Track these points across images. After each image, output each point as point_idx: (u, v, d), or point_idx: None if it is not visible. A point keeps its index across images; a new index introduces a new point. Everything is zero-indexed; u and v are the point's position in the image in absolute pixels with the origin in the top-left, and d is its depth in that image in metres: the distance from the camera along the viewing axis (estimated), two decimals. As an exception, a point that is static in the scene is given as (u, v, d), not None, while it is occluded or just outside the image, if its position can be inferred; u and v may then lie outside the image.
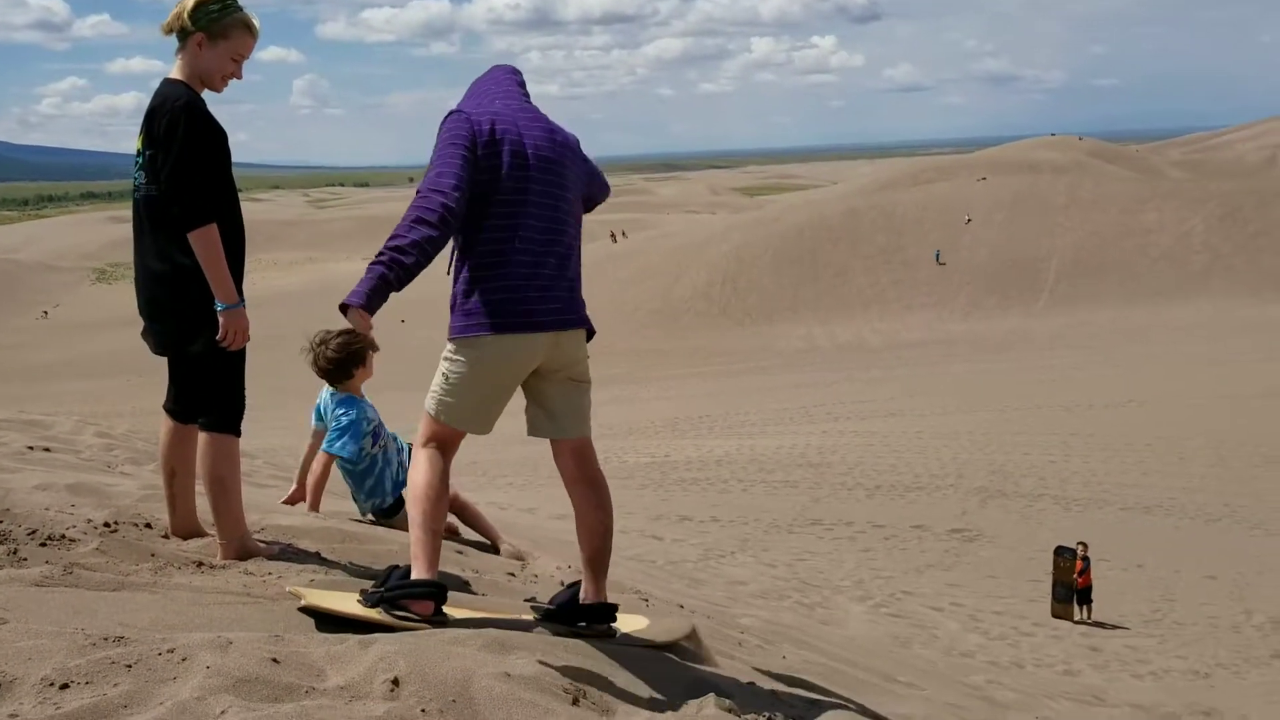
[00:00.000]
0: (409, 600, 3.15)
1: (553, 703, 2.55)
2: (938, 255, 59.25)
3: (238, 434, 3.82)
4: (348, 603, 3.24)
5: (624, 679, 3.10)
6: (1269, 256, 53.78)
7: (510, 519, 10.12)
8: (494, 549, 5.30)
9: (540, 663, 2.82)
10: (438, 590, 3.21)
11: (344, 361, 4.97)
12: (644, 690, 3.07)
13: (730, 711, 2.91)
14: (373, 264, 3.21)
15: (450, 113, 3.41)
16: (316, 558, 3.95)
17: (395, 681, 2.43)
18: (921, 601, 12.67)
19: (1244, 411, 25.57)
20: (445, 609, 3.25)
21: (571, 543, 7.37)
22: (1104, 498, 18.05)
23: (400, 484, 5.27)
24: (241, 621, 2.97)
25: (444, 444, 3.39)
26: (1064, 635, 11.89)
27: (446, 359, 3.37)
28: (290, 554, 3.92)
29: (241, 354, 3.75)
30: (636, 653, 3.51)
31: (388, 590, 3.18)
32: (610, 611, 3.54)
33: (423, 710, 2.35)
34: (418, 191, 3.27)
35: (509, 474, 20.59)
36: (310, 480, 5.16)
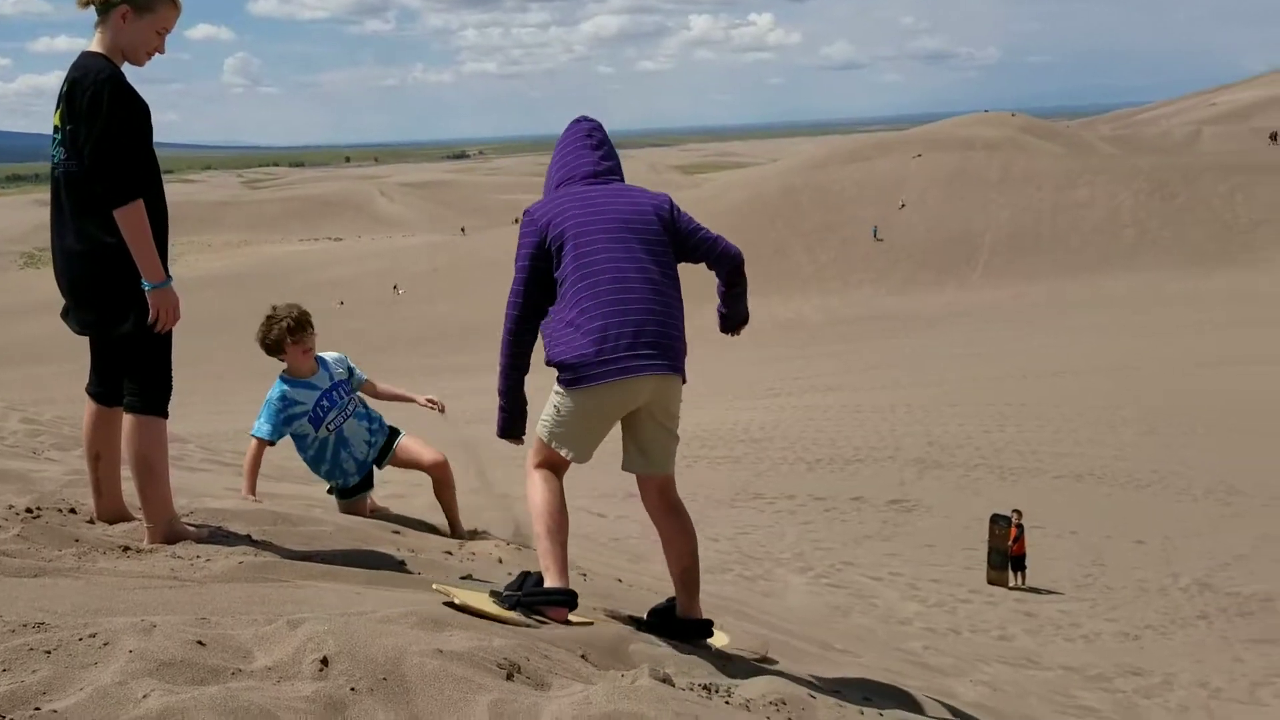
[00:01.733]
0: (545, 606, 3.52)
1: (486, 678, 2.54)
2: (875, 232, 59.85)
3: (165, 415, 3.74)
4: (485, 602, 3.46)
5: (560, 654, 3.10)
6: (1195, 230, 55.14)
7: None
8: (450, 531, 5.35)
9: (475, 639, 2.81)
10: (572, 598, 3.58)
11: (266, 345, 5.11)
12: (579, 664, 3.08)
13: (665, 681, 2.92)
14: (501, 394, 3.89)
15: (524, 213, 3.91)
16: (248, 540, 3.89)
17: (324, 661, 2.40)
18: (861, 571, 12.87)
19: (1172, 381, 26.25)
20: (572, 616, 3.59)
21: (512, 521, 7.34)
22: (1038, 467, 18.44)
23: (366, 464, 5.31)
24: (168, 605, 2.91)
25: (555, 466, 3.82)
26: (999, 601, 12.15)
27: (554, 394, 3.76)
28: (220, 537, 3.86)
29: (169, 334, 3.68)
30: (574, 630, 3.52)
31: (525, 595, 3.52)
32: (707, 627, 3.94)
33: (352, 689, 2.32)
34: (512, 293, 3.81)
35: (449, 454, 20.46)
36: (245, 463, 5.13)
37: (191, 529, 3.84)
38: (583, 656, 3.25)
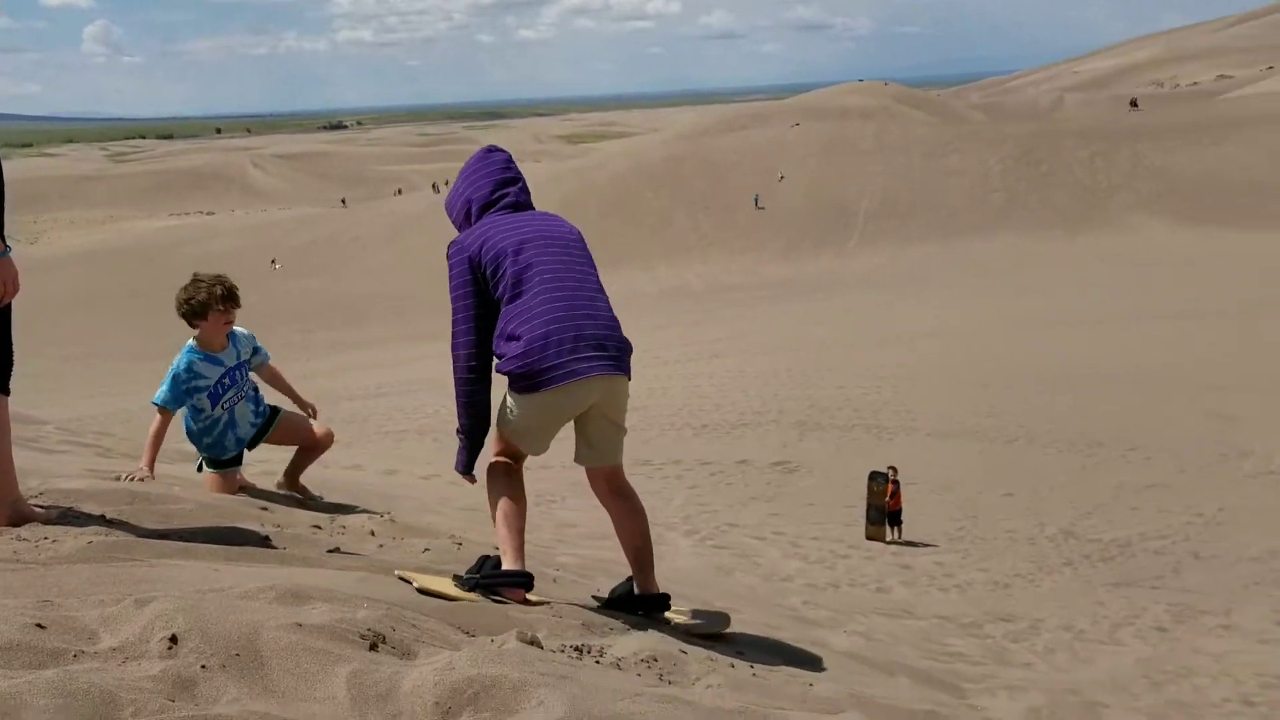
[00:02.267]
0: (505, 588, 3.75)
1: (347, 649, 2.50)
2: (756, 200, 60.59)
3: (6, 392, 3.56)
4: (447, 586, 3.66)
5: (430, 623, 3.07)
6: (1059, 194, 57.39)
7: (338, 477, 9.86)
8: (286, 481, 5.44)
9: (338, 612, 2.75)
10: (528, 579, 3.83)
11: (190, 308, 5.12)
12: (447, 631, 3.05)
13: (533, 643, 2.92)
14: (459, 432, 3.98)
15: (449, 244, 4.00)
16: (100, 520, 3.74)
17: (173, 639, 2.32)
18: (745, 532, 13.09)
19: (1038, 339, 27.37)
20: (529, 596, 3.81)
21: (391, 495, 7.23)
22: (913, 425, 19.02)
23: (243, 441, 5.31)
24: (9, 589, 2.78)
25: (515, 455, 4.01)
26: (877, 556, 12.52)
27: (509, 397, 3.92)
28: (70, 518, 3.70)
29: (8, 308, 3.49)
30: (442, 598, 3.49)
31: (483, 578, 3.74)
32: (665, 600, 4.18)
33: (203, 666, 2.25)
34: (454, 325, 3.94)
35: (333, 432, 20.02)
36: (149, 433, 5.02)
37: (39, 510, 3.67)
38: (455, 625, 3.23)
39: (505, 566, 3.81)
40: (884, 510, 13.61)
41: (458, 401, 3.92)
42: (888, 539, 13.38)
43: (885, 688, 4.39)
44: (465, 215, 4.09)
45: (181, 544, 3.55)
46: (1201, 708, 7.73)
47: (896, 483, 13.71)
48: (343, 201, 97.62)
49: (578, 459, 4.08)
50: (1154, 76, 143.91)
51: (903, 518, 13.55)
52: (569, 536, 10.40)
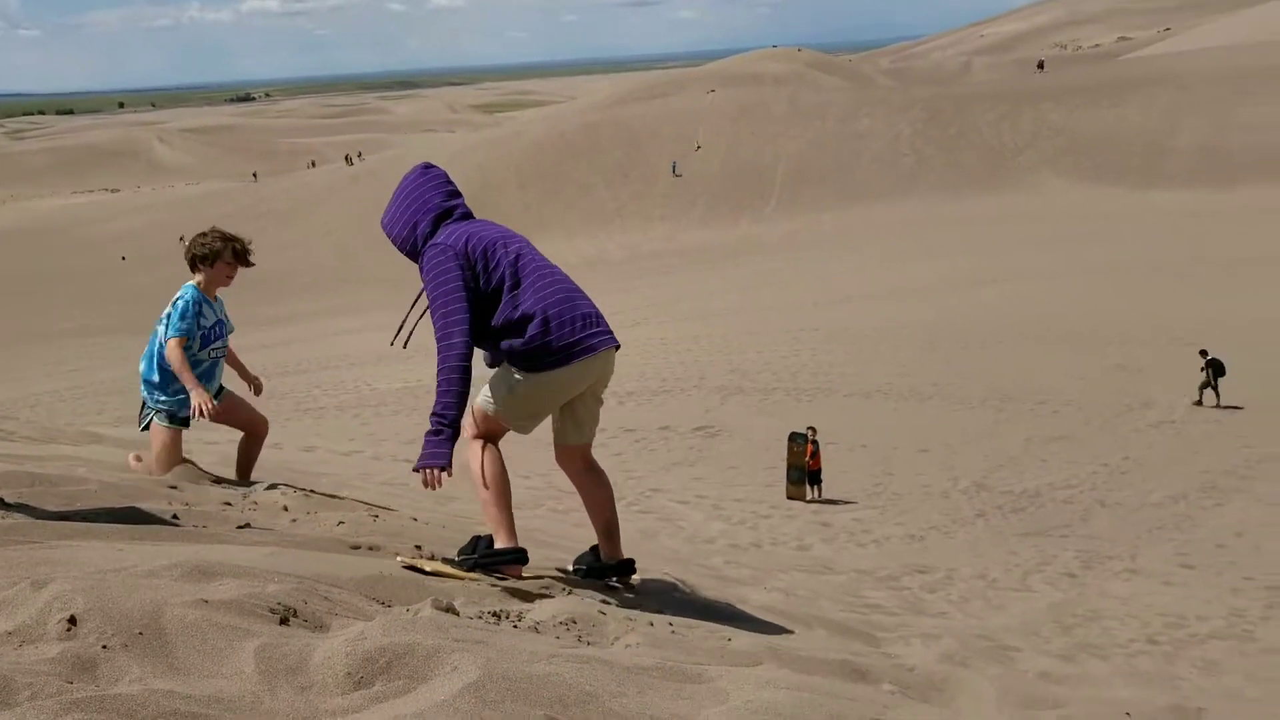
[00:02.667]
0: (503, 565, 3.93)
1: (256, 624, 2.47)
2: (674, 167, 60.65)
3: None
4: (447, 567, 3.82)
5: (343, 595, 3.06)
6: (967, 156, 58.49)
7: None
8: (239, 477, 5.49)
9: (246, 587, 2.72)
10: (524, 555, 4.05)
11: (205, 251, 5.31)
12: (362, 603, 3.04)
13: (449, 611, 2.92)
14: (432, 432, 3.91)
15: (427, 247, 4.03)
16: (0, 504, 3.63)
17: (72, 620, 2.27)
18: (669, 497, 13.21)
19: (949, 300, 27.95)
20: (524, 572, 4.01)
21: (309, 472, 7.13)
22: (830, 386, 19.33)
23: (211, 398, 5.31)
24: (-101, 579, 2.68)
25: (494, 435, 4.16)
26: (797, 515, 12.73)
27: (511, 377, 4.02)
28: (-34, 503, 3.58)
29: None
30: (360, 569, 3.47)
31: (481, 557, 3.93)
32: (630, 565, 4.42)
33: (104, 646, 2.21)
34: (436, 332, 3.94)
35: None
36: (181, 372, 5.10)
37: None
38: (371, 597, 3.21)
39: (498, 545, 3.96)
40: (804, 470, 13.83)
41: (449, 394, 3.87)
42: (808, 498, 13.61)
43: (802, 640, 4.49)
44: (412, 229, 4.11)
45: (85, 525, 3.47)
46: (1109, 649, 8.04)
47: (816, 443, 13.93)
48: (254, 175, 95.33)
49: (562, 439, 4.25)
50: (1057, 39, 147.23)
51: (822, 477, 13.79)
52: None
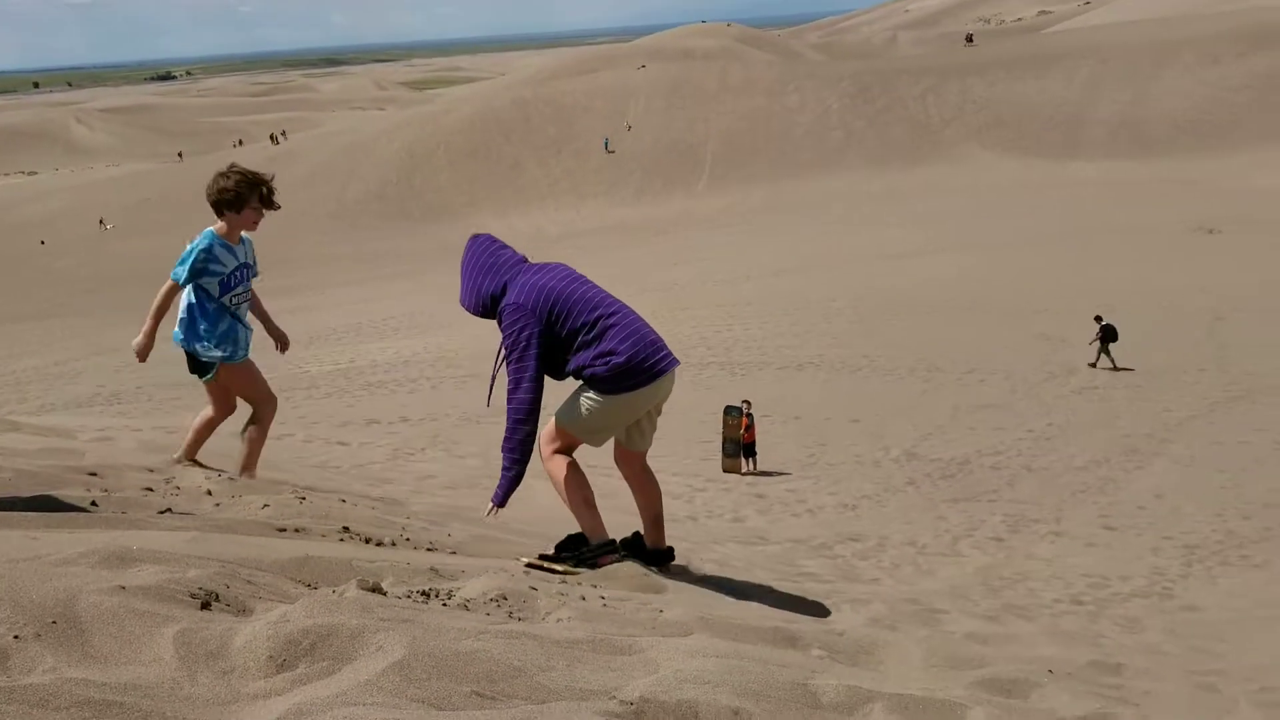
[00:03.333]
0: (600, 557, 4.57)
1: (175, 610, 2.43)
2: (606, 144, 60.44)
3: None
4: (557, 564, 4.42)
5: (267, 578, 3.02)
6: (894, 130, 59.15)
7: (181, 441, 9.50)
8: (242, 467, 5.29)
9: (165, 573, 2.67)
10: (615, 545, 4.70)
11: (232, 192, 5.12)
12: (286, 585, 3.00)
13: (375, 590, 2.90)
14: (506, 470, 4.70)
15: (503, 308, 4.59)
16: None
17: (-18, 610, 2.22)
18: (604, 473, 13.16)
19: (877, 272, 28.32)
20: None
21: (227, 456, 6.98)
22: (764, 360, 19.50)
23: (249, 339, 5.28)
24: None
25: (570, 449, 4.79)
26: (733, 487, 12.85)
27: (590, 400, 4.62)
28: None
29: None
30: (286, 552, 3.42)
31: (582, 553, 4.60)
32: (671, 553, 5.14)
33: (15, 637, 2.16)
34: (509, 383, 4.61)
35: (180, 395, 19.28)
36: (152, 307, 4.98)
37: None
38: (296, 579, 3.17)
39: (594, 541, 4.66)
40: (739, 443, 13.95)
41: (519, 444, 4.63)
42: (743, 470, 13.73)
43: (735, 609, 4.54)
44: (479, 295, 4.67)
45: (-3, 515, 3.37)
46: (1035, 609, 8.26)
47: (750, 416, 14.06)
48: (179, 155, 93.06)
49: (627, 446, 4.88)
50: (980, 14, 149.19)
51: (756, 449, 13.92)
52: (428, 488, 10.31)
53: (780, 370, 18.82)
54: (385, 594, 2.94)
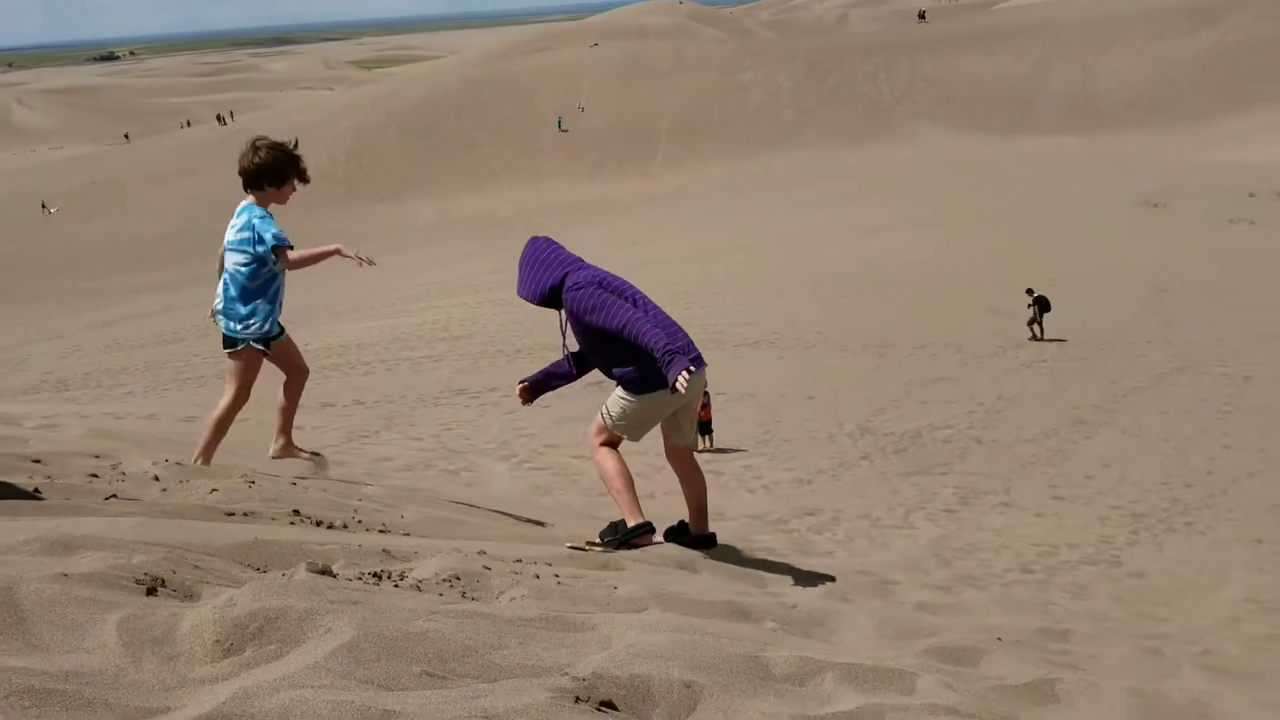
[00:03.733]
0: (637, 538, 5.18)
1: (120, 596, 2.41)
2: (560, 123, 60.10)
3: None
4: (598, 547, 4.98)
5: (212, 563, 2.99)
6: (845, 108, 59.42)
7: (131, 427, 9.37)
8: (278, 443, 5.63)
9: (110, 559, 2.64)
10: (651, 527, 5.33)
11: (273, 167, 5.13)
12: (235, 570, 2.98)
13: (324, 573, 2.89)
14: (673, 355, 4.99)
15: (570, 289, 5.25)
16: None
17: (-82, 600, 2.18)
18: (563, 453, 13.21)
19: (831, 249, 28.51)
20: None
21: (189, 443, 6.92)
22: (719, 338, 19.55)
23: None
24: None
25: (614, 442, 5.50)
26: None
27: (624, 399, 5.32)
28: None
29: None
30: (234, 536, 3.40)
31: (621, 536, 5.19)
32: (713, 539, 5.79)
33: (-46, 626, 2.13)
34: (622, 329, 5.12)
35: (129, 382, 18.97)
36: (305, 254, 5.16)
37: None
38: (245, 563, 3.15)
39: (630, 524, 5.19)
40: (694, 419, 13.98)
41: (672, 335, 5.10)
42: (700, 448, 13.78)
43: (689, 584, 4.57)
44: (540, 285, 5.26)
45: (-66, 506, 3.31)
46: (986, 579, 8.40)
47: (706, 394, 14.09)
48: (126, 136, 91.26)
49: (670, 442, 5.60)
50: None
51: (713, 427, 13.97)
52: (383, 470, 10.27)
53: (736, 348, 18.90)
54: (335, 576, 2.93)
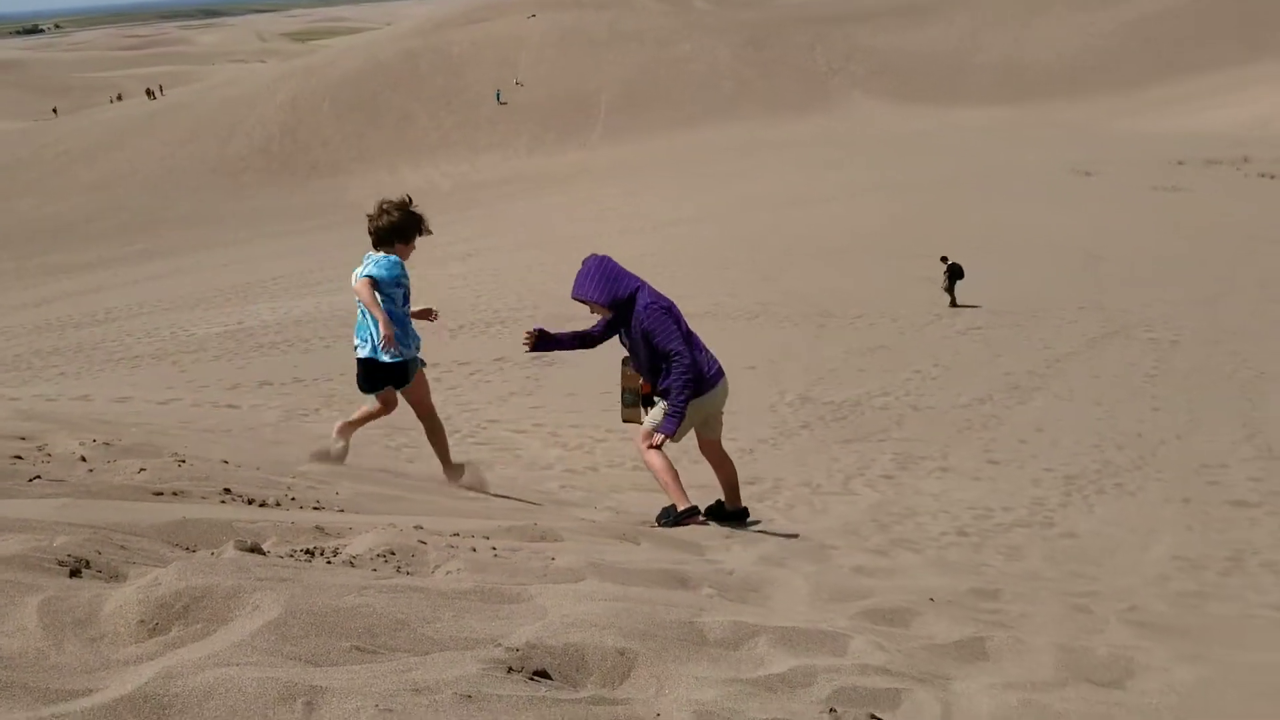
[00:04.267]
0: (687, 519, 6.33)
1: (41, 579, 2.36)
2: (499, 95, 59.53)
3: None
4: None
5: (139, 543, 2.95)
6: (783, 80, 59.59)
7: (63, 409, 9.16)
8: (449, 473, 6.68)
9: (30, 542, 2.59)
10: (698, 510, 6.56)
11: (404, 228, 6.28)
12: (162, 550, 2.94)
13: (253, 550, 2.86)
14: (670, 413, 6.73)
15: (647, 308, 6.70)
16: None
17: None
18: (505, 427, 13.18)
19: (772, 220, 28.64)
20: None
21: (120, 423, 6.78)
22: (662, 310, 19.59)
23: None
24: None
25: (658, 444, 6.63)
26: (632, 437, 12.89)
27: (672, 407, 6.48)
28: None
29: None
30: (162, 516, 3.34)
31: (673, 518, 6.36)
32: (746, 512, 7.15)
33: None
34: (674, 354, 6.71)
35: (60, 363, 18.51)
36: (370, 301, 6.17)
37: None
38: (173, 543, 3.11)
39: (680, 508, 6.38)
40: (638, 393, 13.92)
41: (689, 395, 6.60)
42: (642, 420, 13.82)
43: (627, 554, 4.60)
44: (614, 294, 6.61)
45: None
46: (922, 542, 8.56)
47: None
48: (54, 111, 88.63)
49: (703, 436, 7.02)
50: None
51: (655, 399, 14.02)
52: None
53: (677, 320, 18.95)
54: (265, 554, 2.91)
